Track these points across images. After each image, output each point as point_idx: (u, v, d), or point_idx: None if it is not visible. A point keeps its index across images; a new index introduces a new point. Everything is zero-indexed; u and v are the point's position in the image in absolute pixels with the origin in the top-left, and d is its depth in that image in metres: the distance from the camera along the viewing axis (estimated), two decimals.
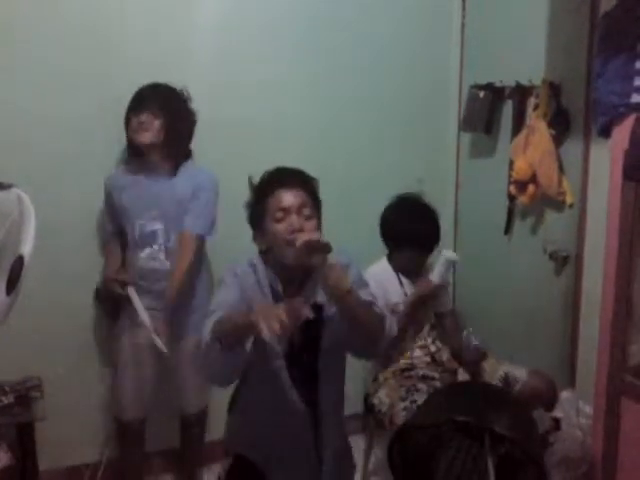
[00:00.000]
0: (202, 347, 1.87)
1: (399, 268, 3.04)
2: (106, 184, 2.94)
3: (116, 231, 2.97)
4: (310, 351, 2.04)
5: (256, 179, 2.09)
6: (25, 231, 1.90)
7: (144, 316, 2.79)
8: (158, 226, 2.84)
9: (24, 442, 2.55)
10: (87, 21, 2.96)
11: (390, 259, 3.06)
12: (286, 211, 1.96)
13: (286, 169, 2.07)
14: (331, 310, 1.99)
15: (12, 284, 1.87)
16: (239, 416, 2.19)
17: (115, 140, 2.96)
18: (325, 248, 1.85)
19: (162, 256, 2.85)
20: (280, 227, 1.95)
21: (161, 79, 2.87)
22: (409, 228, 2.96)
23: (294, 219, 1.95)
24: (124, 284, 2.87)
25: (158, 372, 2.97)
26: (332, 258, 1.87)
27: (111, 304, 2.98)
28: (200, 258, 2.92)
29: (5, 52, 2.86)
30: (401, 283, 3.03)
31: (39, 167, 2.90)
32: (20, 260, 1.87)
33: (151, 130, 2.79)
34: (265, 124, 3.28)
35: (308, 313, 1.68)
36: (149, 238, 2.84)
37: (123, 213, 2.89)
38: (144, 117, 2.78)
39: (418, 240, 2.96)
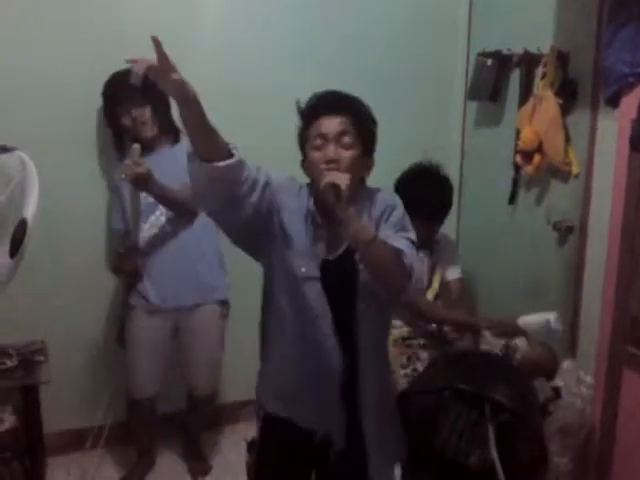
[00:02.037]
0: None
1: None
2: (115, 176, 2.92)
3: (123, 228, 2.93)
4: (347, 291, 1.92)
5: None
6: (28, 194, 1.90)
7: None
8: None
9: (29, 405, 2.58)
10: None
11: None
12: (324, 138, 1.87)
13: (332, 92, 1.95)
14: None
15: (16, 247, 1.88)
16: (269, 364, 2.07)
17: None
18: (341, 194, 1.77)
19: (163, 220, 2.83)
20: (316, 155, 1.87)
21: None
22: (413, 194, 2.92)
23: (330, 148, 1.86)
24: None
25: (170, 350, 2.98)
26: (352, 207, 1.80)
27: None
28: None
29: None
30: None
31: (43, 130, 2.89)
32: (23, 223, 1.88)
33: (148, 122, 2.78)
34: (270, 97, 3.25)
35: None
36: (151, 206, 2.81)
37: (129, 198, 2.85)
38: (136, 112, 2.75)
39: (422, 206, 2.90)
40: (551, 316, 2.75)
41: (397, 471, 2.26)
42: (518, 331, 2.83)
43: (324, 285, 1.90)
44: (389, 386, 2.24)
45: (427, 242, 3.03)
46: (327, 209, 1.84)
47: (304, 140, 1.93)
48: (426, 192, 2.88)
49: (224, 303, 3.00)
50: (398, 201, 2.00)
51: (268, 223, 1.88)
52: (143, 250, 2.84)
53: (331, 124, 1.87)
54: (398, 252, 1.83)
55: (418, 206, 2.88)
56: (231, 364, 3.23)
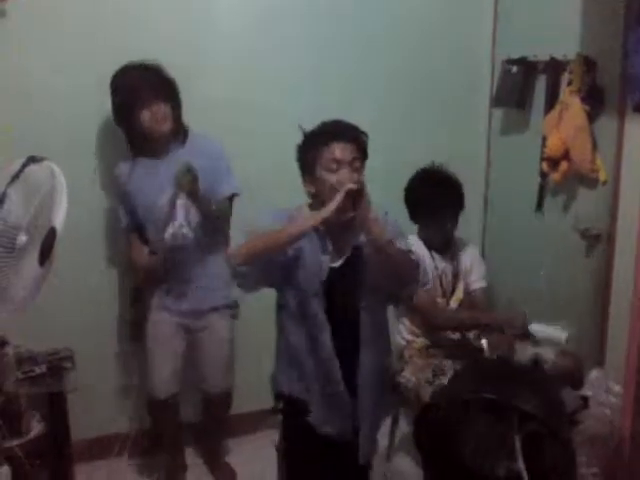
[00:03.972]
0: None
1: (428, 242, 3.00)
2: (117, 177, 2.91)
3: (134, 227, 2.95)
4: (350, 293, 2.20)
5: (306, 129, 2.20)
6: (57, 203, 1.92)
7: None
8: (177, 200, 2.75)
9: (56, 412, 2.59)
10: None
11: (419, 235, 3.04)
12: (339, 163, 2.09)
13: (342, 122, 2.17)
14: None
15: (45, 255, 1.90)
16: (283, 357, 2.33)
17: None
18: (362, 193, 1.99)
19: (185, 230, 2.78)
20: (332, 178, 2.09)
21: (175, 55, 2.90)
22: (421, 197, 2.93)
23: (346, 172, 2.09)
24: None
25: (187, 348, 3.01)
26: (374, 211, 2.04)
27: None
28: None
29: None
30: (432, 257, 2.99)
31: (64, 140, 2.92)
32: (52, 231, 1.90)
33: (167, 118, 2.77)
34: (285, 111, 3.20)
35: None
36: (168, 216, 2.77)
37: (142, 201, 2.86)
38: (156, 107, 2.73)
39: (431, 208, 2.91)
40: (560, 334, 2.73)
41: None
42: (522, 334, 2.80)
43: (329, 290, 2.17)
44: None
45: (445, 245, 3.03)
46: (332, 221, 2.05)
47: (311, 160, 2.14)
48: (433, 193, 2.89)
49: (235, 305, 3.03)
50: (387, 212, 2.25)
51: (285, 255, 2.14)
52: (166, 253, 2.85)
53: (345, 151, 2.10)
54: (407, 251, 2.19)
55: (427, 208, 2.92)
56: (249, 372, 3.24)
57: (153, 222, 2.85)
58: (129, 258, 2.97)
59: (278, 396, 2.35)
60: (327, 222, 2.06)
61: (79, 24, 2.95)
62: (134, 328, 3.06)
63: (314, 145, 2.14)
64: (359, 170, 2.13)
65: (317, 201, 2.15)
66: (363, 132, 2.18)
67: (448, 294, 3.03)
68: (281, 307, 2.28)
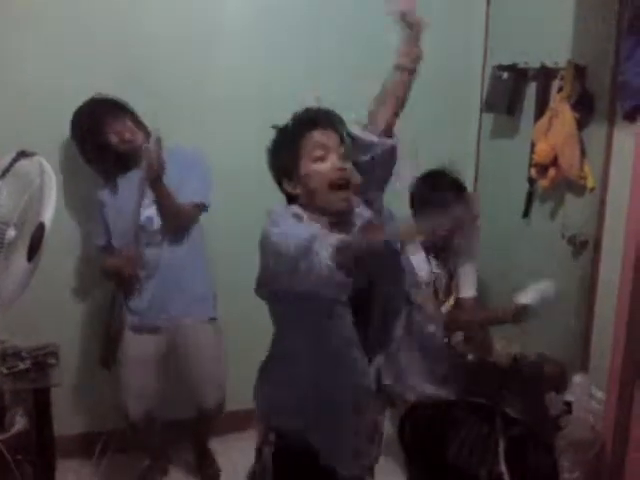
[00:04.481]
0: (319, 270, 1.64)
1: (427, 246, 2.92)
2: (101, 202, 2.86)
3: (107, 245, 2.88)
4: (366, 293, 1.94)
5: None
6: (46, 198, 1.92)
7: None
8: (151, 211, 2.75)
9: (40, 407, 2.58)
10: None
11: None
12: (325, 149, 1.85)
13: (316, 109, 1.94)
14: None
15: (33, 250, 1.89)
16: (279, 375, 2.04)
17: None
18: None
19: (159, 238, 2.80)
20: (322, 167, 1.84)
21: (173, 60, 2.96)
22: (430, 198, 2.84)
23: (334, 158, 1.85)
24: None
25: (165, 366, 2.96)
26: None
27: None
28: (199, 232, 2.91)
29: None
30: (428, 261, 2.92)
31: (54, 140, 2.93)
32: (41, 227, 1.89)
33: (134, 130, 2.75)
34: (283, 104, 3.23)
35: None
36: (146, 223, 2.77)
37: (118, 220, 2.81)
38: (127, 122, 2.73)
39: (430, 210, 2.83)
40: (545, 286, 2.78)
41: None
42: (515, 316, 2.81)
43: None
44: None
45: (443, 251, 2.98)
46: (330, 218, 1.87)
47: (291, 156, 1.87)
48: (443, 195, 2.82)
49: (214, 319, 2.98)
50: None
51: None
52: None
53: (328, 136, 1.87)
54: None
55: (433, 207, 2.69)
56: (237, 372, 3.24)
57: (125, 232, 2.79)
58: (104, 272, 2.90)
59: (268, 427, 2.05)
60: (324, 219, 1.86)
61: (77, 25, 2.96)
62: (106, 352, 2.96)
63: (292, 138, 1.89)
64: (346, 157, 1.88)
65: (307, 201, 1.88)
66: (339, 116, 1.95)
67: (441, 300, 2.99)
68: (291, 324, 1.94)
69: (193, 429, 3.28)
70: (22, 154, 2.00)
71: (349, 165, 1.88)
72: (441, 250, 2.98)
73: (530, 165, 3.16)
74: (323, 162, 1.85)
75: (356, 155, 1.92)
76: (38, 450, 2.60)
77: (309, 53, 3.36)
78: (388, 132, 1.98)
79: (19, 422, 2.50)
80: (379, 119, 1.98)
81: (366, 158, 1.92)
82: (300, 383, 1.95)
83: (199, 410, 3.10)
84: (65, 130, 2.90)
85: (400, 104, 2.06)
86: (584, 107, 2.91)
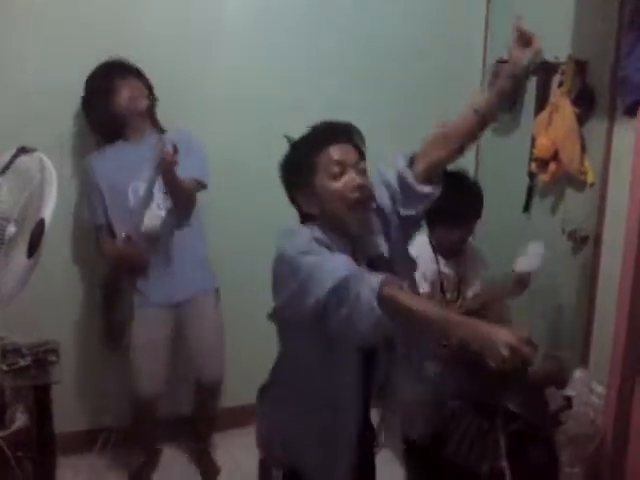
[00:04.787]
0: (364, 310, 1.51)
1: (437, 246, 2.85)
2: (86, 169, 2.89)
3: (105, 223, 2.88)
4: None
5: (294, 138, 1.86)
6: (46, 195, 1.91)
7: None
8: (156, 183, 2.76)
9: (40, 404, 2.58)
10: None
11: (429, 236, 2.86)
12: (343, 166, 1.74)
13: (335, 122, 1.83)
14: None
15: (33, 247, 1.89)
16: (279, 405, 1.96)
17: None
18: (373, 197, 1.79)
19: (163, 214, 2.83)
20: (339, 185, 1.73)
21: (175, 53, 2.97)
22: (447, 201, 2.70)
23: (354, 175, 1.74)
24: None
25: (174, 347, 3.00)
26: None
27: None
28: (196, 211, 2.95)
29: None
30: (437, 261, 2.84)
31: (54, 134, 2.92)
32: (41, 223, 1.88)
33: (143, 95, 2.82)
34: (288, 108, 3.25)
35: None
36: (146, 198, 2.79)
37: (114, 188, 2.83)
38: (135, 82, 2.81)
39: (454, 215, 2.69)
40: (538, 248, 2.76)
41: None
42: (518, 286, 2.79)
43: None
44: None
45: (454, 251, 2.89)
46: (345, 235, 1.78)
47: (307, 172, 1.77)
48: (458, 201, 2.59)
49: (216, 290, 3.06)
50: None
51: None
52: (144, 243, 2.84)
53: (346, 151, 1.77)
54: None
55: (449, 215, 2.62)
56: (237, 368, 3.26)
57: (123, 211, 2.82)
58: (102, 255, 2.92)
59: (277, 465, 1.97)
60: (339, 237, 1.77)
61: (77, 25, 2.96)
62: (110, 332, 2.98)
63: (308, 153, 1.78)
64: (365, 173, 1.78)
65: (323, 219, 1.77)
66: (358, 130, 1.86)
67: (450, 300, 2.87)
68: (315, 350, 1.81)
69: (192, 421, 3.29)
70: (22, 150, 1.99)
71: (368, 181, 1.78)
72: (453, 250, 2.89)
73: (530, 160, 3.16)
74: (340, 179, 1.74)
75: (405, 204, 1.84)
76: (38, 447, 2.59)
77: (309, 53, 3.36)
78: (435, 174, 1.86)
79: (19, 419, 2.49)
80: (431, 157, 1.84)
81: (412, 212, 1.85)
82: (301, 415, 1.88)
83: (197, 389, 3.13)
84: (65, 130, 2.91)
85: (461, 151, 1.86)
86: (584, 102, 2.91)
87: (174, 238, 2.89)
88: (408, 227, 1.93)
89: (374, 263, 1.80)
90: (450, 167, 2.71)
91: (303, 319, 1.67)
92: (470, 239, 2.97)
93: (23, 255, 1.91)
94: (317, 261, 1.61)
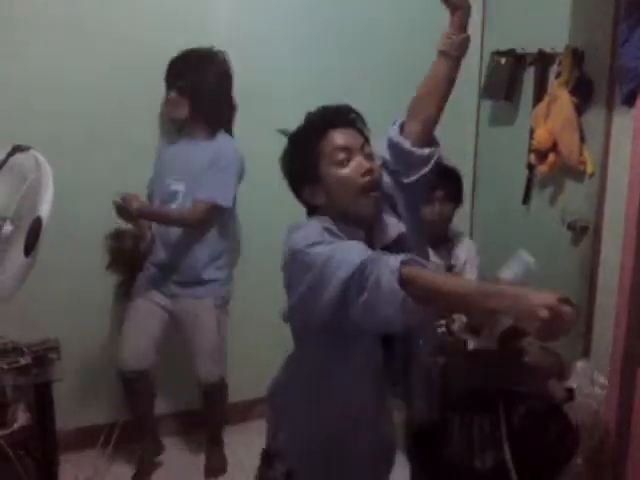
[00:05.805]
0: (386, 292, 1.43)
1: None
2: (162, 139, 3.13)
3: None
4: None
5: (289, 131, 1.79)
6: (43, 193, 1.90)
7: None
8: (180, 187, 2.91)
9: (41, 402, 2.58)
10: None
11: None
12: (348, 151, 1.67)
13: (332, 106, 1.76)
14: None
15: (31, 245, 1.88)
16: (293, 409, 1.89)
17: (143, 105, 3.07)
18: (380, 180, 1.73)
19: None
20: (346, 171, 1.67)
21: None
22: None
23: (360, 159, 1.68)
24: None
25: (165, 328, 3.04)
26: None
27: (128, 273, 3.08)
28: (215, 226, 2.97)
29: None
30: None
31: (64, 134, 2.95)
32: (38, 221, 1.88)
33: (178, 106, 2.89)
34: (282, 91, 3.29)
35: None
36: (170, 197, 2.92)
37: (157, 175, 3.02)
38: (171, 94, 2.89)
39: (432, 200, 2.84)
40: (525, 256, 2.66)
41: None
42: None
43: None
44: None
45: (440, 240, 2.98)
46: (358, 225, 1.71)
47: (310, 162, 1.70)
48: (433, 186, 2.75)
49: (220, 296, 3.06)
50: None
51: None
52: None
53: (350, 136, 1.70)
54: None
55: (425, 201, 2.63)
56: (240, 364, 3.27)
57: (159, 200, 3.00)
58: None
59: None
60: (351, 227, 1.70)
61: (77, 25, 2.96)
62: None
63: (308, 142, 1.70)
64: (372, 157, 1.72)
65: (332, 210, 1.71)
66: (358, 112, 1.78)
67: None
68: (332, 361, 1.76)
69: (203, 418, 3.30)
70: (17, 148, 1.99)
71: (376, 165, 1.72)
72: (439, 239, 2.96)
73: (529, 151, 3.15)
74: (345, 166, 1.68)
75: (407, 172, 1.79)
76: (40, 445, 2.60)
77: (309, 53, 3.36)
78: (429, 133, 1.83)
79: (21, 417, 2.50)
80: (420, 115, 1.81)
81: (416, 177, 1.80)
82: (313, 420, 1.84)
83: (198, 382, 3.14)
84: (65, 129, 2.90)
85: (445, 97, 1.86)
86: (582, 92, 2.90)
87: (184, 237, 2.95)
88: (416, 195, 1.86)
89: (390, 249, 1.69)
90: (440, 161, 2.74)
91: (319, 322, 1.61)
92: (462, 231, 3.01)
93: (20, 253, 1.90)
94: (330, 251, 1.54)
